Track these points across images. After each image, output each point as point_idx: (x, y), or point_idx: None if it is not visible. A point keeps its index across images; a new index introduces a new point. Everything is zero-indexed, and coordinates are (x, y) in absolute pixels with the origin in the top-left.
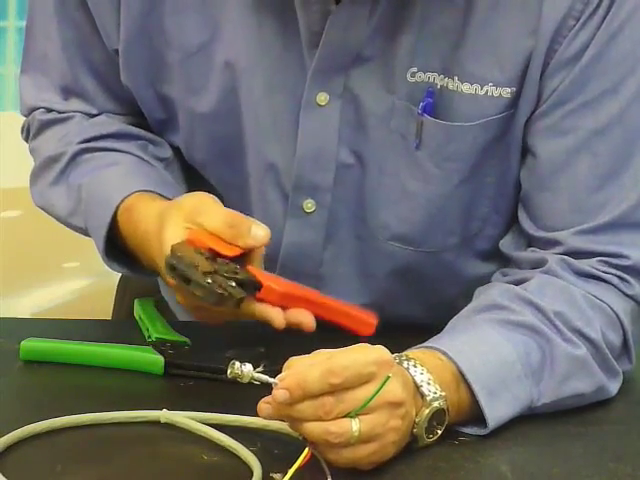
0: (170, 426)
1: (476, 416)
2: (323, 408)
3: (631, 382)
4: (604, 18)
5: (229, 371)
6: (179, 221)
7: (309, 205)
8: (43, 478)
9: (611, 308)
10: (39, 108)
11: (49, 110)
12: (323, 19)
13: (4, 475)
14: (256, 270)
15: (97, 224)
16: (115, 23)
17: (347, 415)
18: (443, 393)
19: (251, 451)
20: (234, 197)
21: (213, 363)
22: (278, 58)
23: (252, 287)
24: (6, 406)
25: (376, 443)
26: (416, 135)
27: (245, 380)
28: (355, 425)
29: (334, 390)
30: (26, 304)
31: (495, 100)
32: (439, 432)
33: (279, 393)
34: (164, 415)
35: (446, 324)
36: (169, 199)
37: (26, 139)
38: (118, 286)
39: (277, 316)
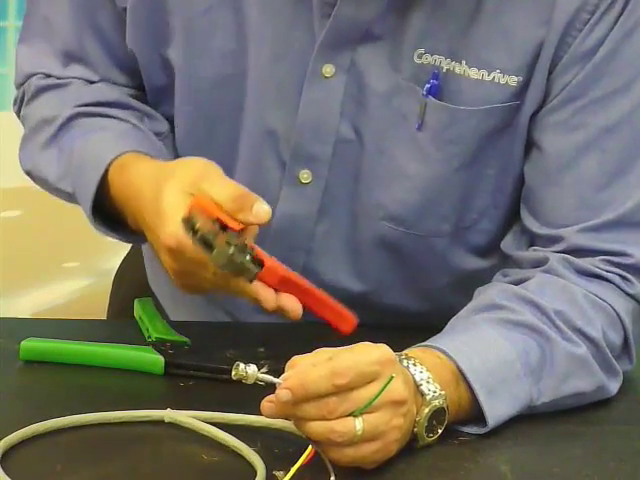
0: (172, 425)
1: (476, 415)
2: (327, 407)
3: (631, 382)
4: (620, 15)
5: (233, 372)
6: (181, 185)
7: (305, 176)
8: (46, 478)
9: (612, 307)
10: (36, 74)
11: (47, 76)
12: None
13: (8, 475)
14: (257, 248)
15: (86, 182)
16: None
17: (351, 414)
18: (443, 392)
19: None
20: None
21: (213, 363)
22: (288, 24)
23: (255, 265)
24: (6, 406)
25: (379, 442)
26: (419, 116)
27: (250, 381)
28: (359, 424)
29: (338, 391)
30: (26, 304)
31: (502, 87)
32: (439, 431)
33: (282, 393)
34: (168, 414)
35: (436, 316)
36: None
37: (18, 110)
38: (113, 281)
39: (270, 298)
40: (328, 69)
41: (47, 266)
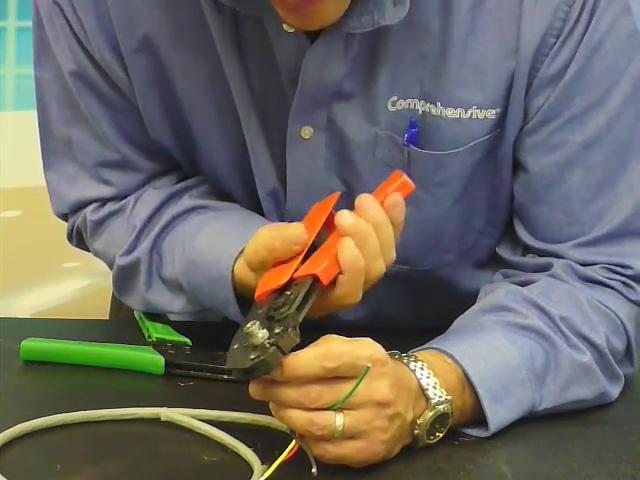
0: (169, 425)
1: (478, 418)
2: (308, 396)
3: (631, 382)
4: (584, 33)
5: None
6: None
7: None
8: (42, 477)
9: (615, 314)
10: (84, 204)
11: (99, 205)
12: (298, 55)
13: (3, 474)
14: (303, 269)
15: (223, 303)
16: (128, 82)
17: (330, 408)
18: (449, 397)
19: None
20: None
21: (213, 363)
22: (264, 98)
23: (314, 288)
24: (6, 406)
25: (362, 441)
26: (404, 165)
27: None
28: (339, 419)
29: (326, 374)
30: (26, 304)
31: (481, 122)
32: (440, 435)
33: None
34: (164, 412)
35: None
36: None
37: (79, 243)
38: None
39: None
40: (306, 131)
41: (47, 266)
